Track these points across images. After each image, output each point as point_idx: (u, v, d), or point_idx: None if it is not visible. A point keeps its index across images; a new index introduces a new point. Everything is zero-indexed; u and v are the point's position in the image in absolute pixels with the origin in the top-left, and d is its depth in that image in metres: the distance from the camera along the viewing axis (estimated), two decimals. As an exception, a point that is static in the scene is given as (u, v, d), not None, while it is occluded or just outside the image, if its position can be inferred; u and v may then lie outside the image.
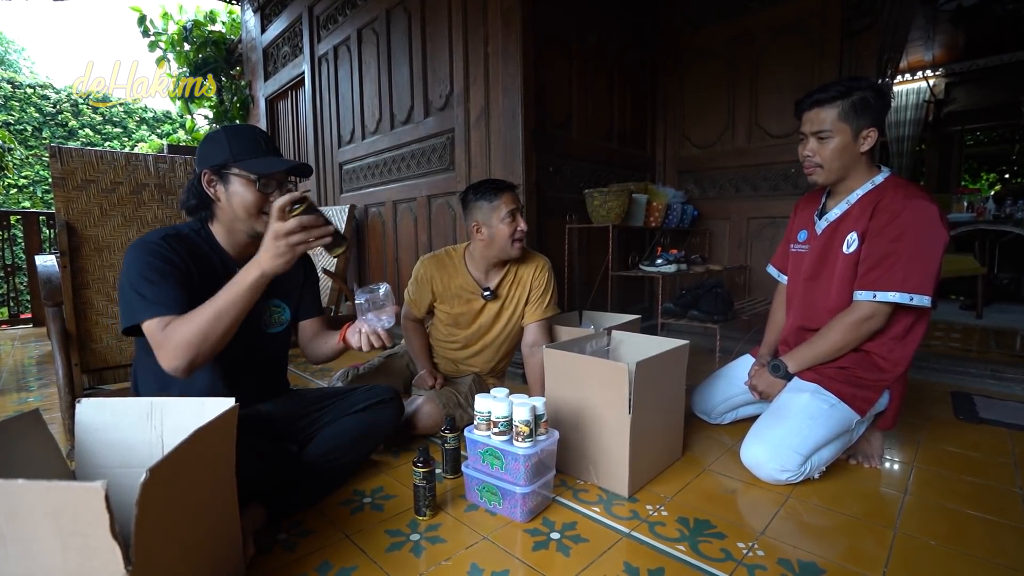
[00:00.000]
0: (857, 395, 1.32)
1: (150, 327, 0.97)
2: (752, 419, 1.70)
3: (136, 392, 1.23)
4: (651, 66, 3.21)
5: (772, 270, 1.70)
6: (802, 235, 1.51)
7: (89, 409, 0.96)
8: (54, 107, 7.50)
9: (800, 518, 1.17)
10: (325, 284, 3.35)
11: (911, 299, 1.23)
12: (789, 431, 1.29)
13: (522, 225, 1.60)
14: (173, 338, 0.95)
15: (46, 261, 1.66)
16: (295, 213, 0.98)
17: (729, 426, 1.72)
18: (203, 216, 1.18)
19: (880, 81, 3.14)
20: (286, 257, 0.97)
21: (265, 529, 1.09)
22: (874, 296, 1.27)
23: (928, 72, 6.43)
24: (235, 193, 1.11)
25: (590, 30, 2.75)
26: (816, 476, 1.32)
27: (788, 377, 1.42)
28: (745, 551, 1.04)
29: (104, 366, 1.61)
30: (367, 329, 1.12)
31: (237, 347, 1.21)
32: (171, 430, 0.96)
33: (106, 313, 1.58)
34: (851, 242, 1.33)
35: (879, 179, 1.34)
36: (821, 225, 1.43)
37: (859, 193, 1.35)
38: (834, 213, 1.40)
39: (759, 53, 2.83)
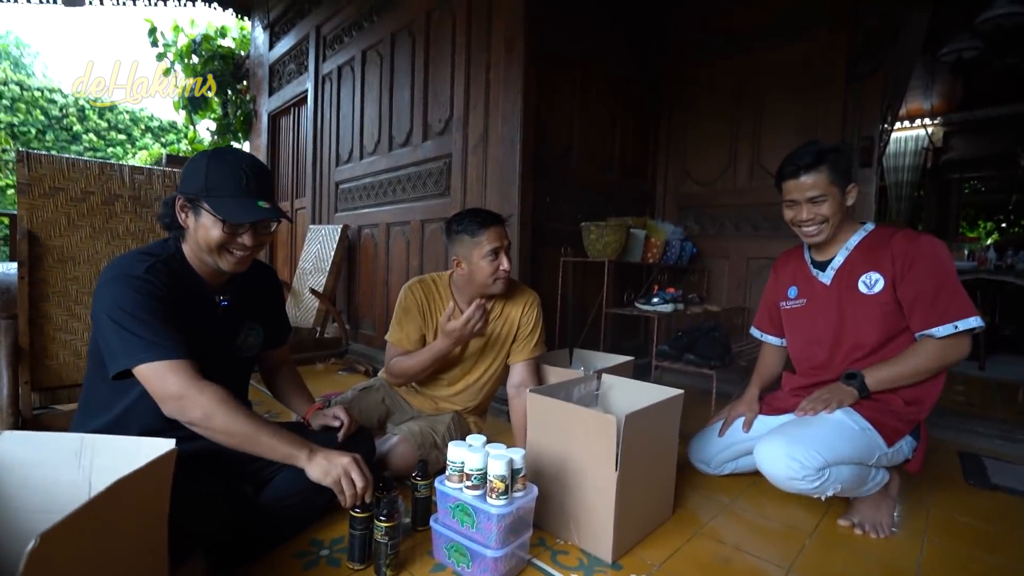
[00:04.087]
0: (888, 424, 1.30)
1: (151, 370, 0.96)
2: (752, 473, 1.61)
3: (79, 418, 1.14)
4: (655, 100, 3.20)
5: (756, 332, 1.72)
6: (792, 291, 1.54)
7: (11, 443, 0.86)
8: (60, 111, 7.54)
9: (801, 598, 1.06)
10: (312, 304, 3.26)
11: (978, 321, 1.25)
12: (815, 435, 1.24)
13: (505, 265, 1.48)
14: (189, 401, 0.96)
15: (8, 269, 1.57)
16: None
17: (727, 480, 1.61)
18: (176, 236, 1.12)
19: (881, 127, 3.14)
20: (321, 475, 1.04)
21: (204, 586, 0.98)
22: (955, 327, 1.25)
23: (927, 120, 6.51)
24: (202, 226, 1.05)
25: (595, 60, 2.74)
26: (829, 494, 1.24)
27: (863, 390, 1.32)
28: (740, 637, 0.92)
29: (59, 385, 1.50)
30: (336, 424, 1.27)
31: (215, 372, 1.12)
32: (101, 472, 0.85)
33: (65, 328, 1.48)
34: (872, 282, 1.36)
35: (869, 227, 1.42)
36: (827, 276, 1.45)
37: (855, 239, 1.41)
38: (837, 261, 1.43)
39: (764, 92, 2.82)
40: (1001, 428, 2.11)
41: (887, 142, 4.19)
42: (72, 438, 0.86)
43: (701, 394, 2.47)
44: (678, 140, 3.17)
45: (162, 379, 0.96)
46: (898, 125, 6.53)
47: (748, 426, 1.52)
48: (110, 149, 8.10)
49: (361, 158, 3.42)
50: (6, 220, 4.58)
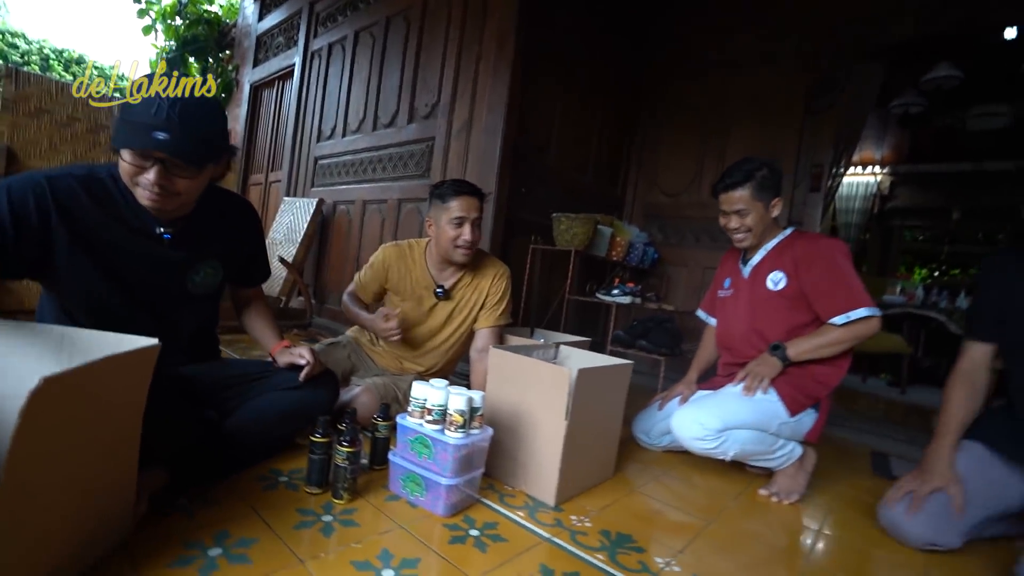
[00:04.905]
0: (794, 396, 1.48)
1: None
2: (686, 451, 1.75)
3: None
4: (633, 111, 3.39)
5: (701, 313, 1.94)
6: (727, 282, 1.75)
7: (-10, 330, 0.88)
8: (22, 57, 7.15)
9: (719, 541, 1.18)
10: (280, 273, 3.25)
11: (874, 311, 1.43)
12: (718, 402, 1.46)
13: (466, 235, 1.56)
14: None
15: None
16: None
17: (663, 455, 1.74)
18: None
19: (834, 169, 3.44)
20: None
21: (164, 494, 1.01)
22: (847, 317, 1.44)
23: (877, 169, 7.05)
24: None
25: (581, 67, 2.89)
26: (730, 455, 1.41)
27: (785, 359, 1.49)
28: (662, 565, 1.04)
29: (19, 308, 1.49)
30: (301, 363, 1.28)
31: (159, 301, 1.15)
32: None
33: (32, 253, 1.47)
34: (777, 280, 1.56)
35: (788, 232, 1.63)
36: (747, 271, 1.66)
37: (773, 243, 1.62)
38: (755, 259, 1.64)
39: (731, 114, 3.04)
40: (909, 435, 2.35)
41: (839, 184, 4.54)
42: (54, 330, 0.89)
43: (649, 391, 2.62)
44: (650, 151, 3.36)
45: None
46: (852, 171, 7.05)
47: (684, 401, 1.66)
48: (72, 104, 7.73)
49: (344, 135, 3.45)
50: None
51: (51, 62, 7.41)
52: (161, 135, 0.93)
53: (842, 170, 5.35)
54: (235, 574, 0.82)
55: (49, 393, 0.61)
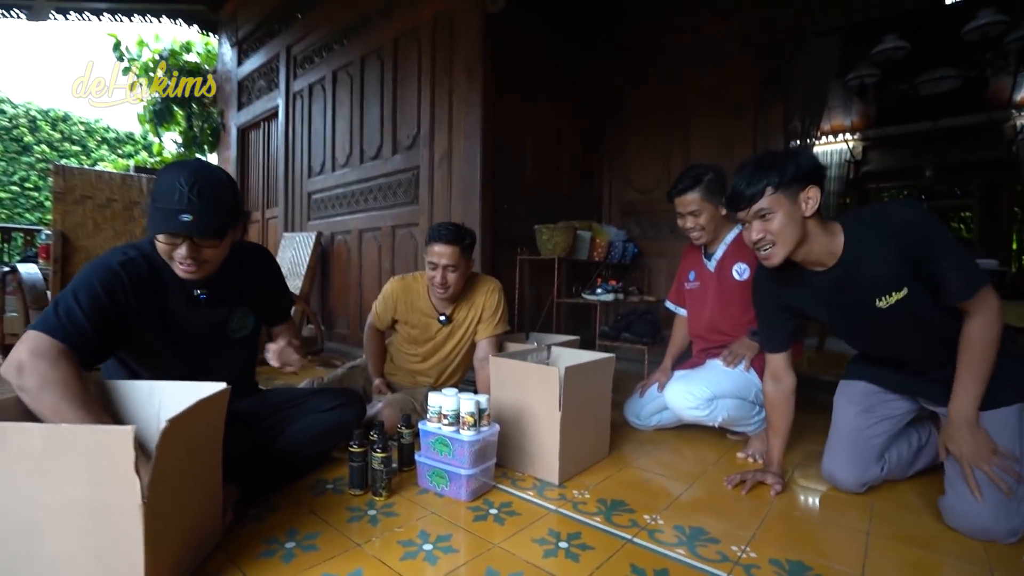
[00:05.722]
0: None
1: (31, 336, 1.00)
2: (674, 427, 1.98)
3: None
4: (601, 117, 3.63)
5: (670, 305, 2.14)
6: (692, 275, 1.97)
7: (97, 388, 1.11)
8: (10, 121, 7.35)
9: (699, 497, 1.42)
10: (289, 306, 3.47)
11: None
12: (704, 377, 1.69)
13: (437, 278, 1.74)
14: (29, 368, 0.96)
15: (29, 269, 1.78)
16: None
17: (654, 433, 1.97)
18: None
19: (788, 144, 3.68)
20: None
21: (238, 506, 1.24)
22: None
23: (848, 136, 7.30)
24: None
25: (546, 85, 3.13)
26: (719, 420, 1.66)
27: None
28: (649, 520, 1.27)
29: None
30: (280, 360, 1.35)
31: (208, 353, 1.37)
32: (168, 410, 1.11)
33: (87, 319, 1.70)
34: (742, 271, 1.79)
35: (738, 229, 1.82)
36: (712, 264, 1.88)
37: (730, 237, 1.85)
38: (718, 254, 1.88)
39: (690, 112, 3.28)
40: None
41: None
42: (144, 385, 1.12)
43: (637, 376, 2.85)
44: (620, 153, 3.60)
45: (24, 343, 1.00)
46: (825, 140, 7.31)
47: (662, 387, 1.88)
48: (63, 161, 7.93)
49: (333, 170, 3.67)
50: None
51: (39, 123, 7.60)
52: (186, 217, 1.10)
53: (811, 142, 5.54)
54: (309, 559, 1.05)
55: (171, 431, 0.83)
